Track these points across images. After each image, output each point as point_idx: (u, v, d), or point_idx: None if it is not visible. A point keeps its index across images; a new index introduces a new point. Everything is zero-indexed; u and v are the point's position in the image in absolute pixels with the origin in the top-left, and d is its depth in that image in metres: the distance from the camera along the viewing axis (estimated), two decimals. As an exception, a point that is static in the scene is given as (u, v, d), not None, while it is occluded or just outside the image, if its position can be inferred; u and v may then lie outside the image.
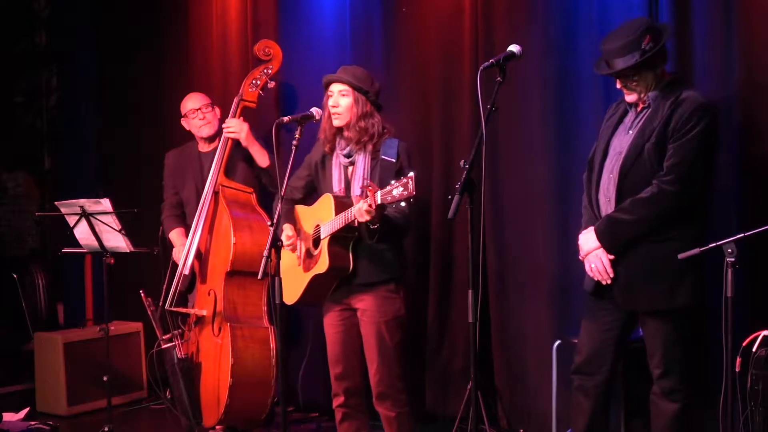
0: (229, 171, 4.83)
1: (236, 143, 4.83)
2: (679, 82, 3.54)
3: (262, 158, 4.77)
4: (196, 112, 4.92)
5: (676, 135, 3.40)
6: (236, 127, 4.79)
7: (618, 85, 3.54)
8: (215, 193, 4.74)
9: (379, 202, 3.48)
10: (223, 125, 4.84)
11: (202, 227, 4.74)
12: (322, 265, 3.82)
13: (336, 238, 3.79)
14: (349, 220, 3.68)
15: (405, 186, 3.38)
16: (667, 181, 3.39)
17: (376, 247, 3.79)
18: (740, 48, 3.96)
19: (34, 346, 5.76)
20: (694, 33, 4.07)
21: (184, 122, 5.02)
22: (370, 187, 3.53)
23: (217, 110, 4.99)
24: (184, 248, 4.79)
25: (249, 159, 4.88)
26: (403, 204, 3.46)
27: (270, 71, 4.92)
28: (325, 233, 3.82)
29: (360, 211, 3.58)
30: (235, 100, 4.90)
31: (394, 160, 3.82)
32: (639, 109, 3.55)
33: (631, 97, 3.53)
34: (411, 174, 3.39)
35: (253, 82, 4.92)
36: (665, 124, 3.42)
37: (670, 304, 3.45)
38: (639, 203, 3.42)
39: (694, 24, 4.07)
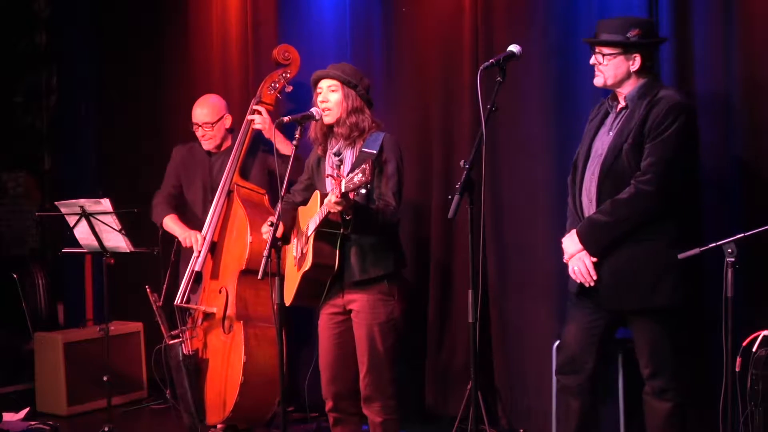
0: (242, 172, 4.85)
1: (252, 143, 4.86)
2: (656, 83, 3.57)
3: (285, 147, 4.73)
4: (197, 128, 4.91)
5: (652, 134, 3.43)
6: (261, 119, 4.83)
7: (591, 61, 3.58)
8: (229, 192, 4.76)
9: (343, 190, 3.43)
10: (247, 119, 4.86)
11: (216, 224, 4.75)
12: (307, 262, 3.79)
13: (323, 234, 3.75)
14: (324, 214, 3.65)
15: (363, 171, 3.34)
16: (644, 180, 3.41)
17: (365, 244, 3.76)
18: (740, 47, 3.97)
19: (34, 346, 5.75)
20: (694, 33, 4.08)
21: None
22: (336, 177, 3.48)
23: (227, 120, 4.94)
24: (197, 245, 4.78)
25: (261, 161, 4.91)
26: (364, 191, 3.41)
27: (288, 75, 4.97)
28: (310, 230, 3.80)
29: (329, 202, 3.53)
30: (253, 101, 4.92)
31: (375, 152, 3.75)
32: (618, 109, 3.58)
33: (597, 80, 3.58)
34: (370, 159, 3.36)
35: (272, 84, 4.96)
36: (641, 124, 3.45)
37: (652, 303, 3.47)
38: (618, 204, 3.44)
39: (694, 24, 4.08)
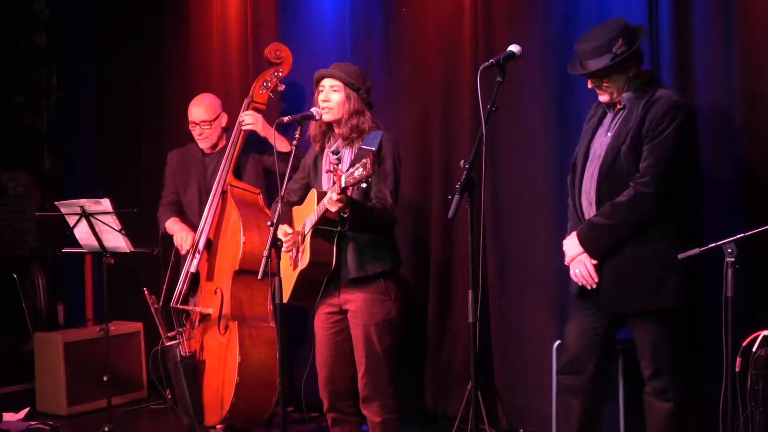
0: (236, 172, 4.85)
1: (245, 142, 4.85)
2: (653, 82, 3.55)
3: (282, 144, 4.74)
4: (195, 127, 4.92)
5: (650, 136, 3.41)
6: (252, 120, 4.83)
7: (589, 85, 3.55)
8: (223, 193, 4.76)
9: (344, 185, 3.43)
10: (239, 120, 4.86)
11: (210, 225, 4.75)
12: (305, 259, 3.79)
13: (320, 232, 3.75)
14: (322, 211, 3.64)
15: (364, 166, 3.33)
16: (643, 183, 3.40)
17: (362, 242, 3.76)
18: (740, 49, 3.96)
19: (34, 346, 5.75)
20: (694, 34, 4.07)
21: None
22: (336, 173, 3.47)
23: (223, 119, 4.97)
24: (190, 246, 4.78)
25: (255, 161, 4.92)
26: (365, 185, 3.41)
27: (280, 74, 4.97)
28: (307, 228, 3.80)
29: (330, 199, 3.52)
30: (245, 101, 4.93)
31: (374, 149, 3.70)
32: (616, 110, 3.56)
33: (603, 98, 3.54)
34: (370, 154, 3.36)
35: (264, 84, 4.96)
36: (639, 126, 3.43)
37: (654, 305, 3.46)
38: (617, 207, 3.43)
39: (694, 25, 4.07)
